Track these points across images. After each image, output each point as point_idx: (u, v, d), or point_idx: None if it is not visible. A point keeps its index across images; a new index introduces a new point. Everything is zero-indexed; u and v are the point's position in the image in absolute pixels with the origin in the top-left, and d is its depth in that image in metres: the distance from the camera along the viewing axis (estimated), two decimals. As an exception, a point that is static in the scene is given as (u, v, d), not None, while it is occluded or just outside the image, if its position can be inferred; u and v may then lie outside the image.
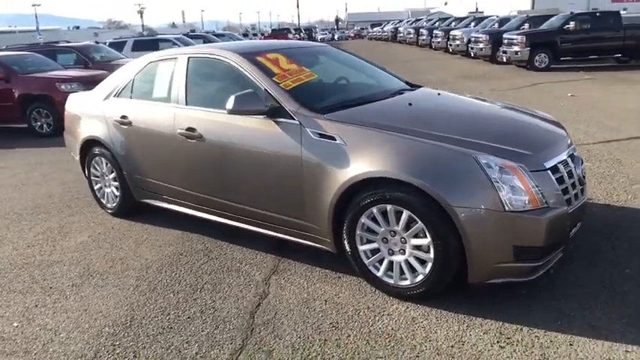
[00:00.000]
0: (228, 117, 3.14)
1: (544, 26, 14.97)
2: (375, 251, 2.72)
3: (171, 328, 2.58)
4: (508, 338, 2.29)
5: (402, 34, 33.49)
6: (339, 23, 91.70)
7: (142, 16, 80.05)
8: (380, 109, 3.07)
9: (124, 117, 3.89)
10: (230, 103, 2.93)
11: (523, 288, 2.63)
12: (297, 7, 69.85)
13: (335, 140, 2.71)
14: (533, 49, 13.86)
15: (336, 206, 2.71)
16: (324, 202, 2.76)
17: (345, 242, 2.78)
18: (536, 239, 2.37)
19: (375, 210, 2.60)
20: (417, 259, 2.57)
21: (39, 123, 8.59)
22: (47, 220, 4.35)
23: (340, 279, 2.95)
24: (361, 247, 2.74)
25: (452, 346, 2.26)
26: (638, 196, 3.94)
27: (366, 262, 2.75)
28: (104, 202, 4.37)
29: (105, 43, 15.37)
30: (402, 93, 3.49)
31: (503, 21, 19.87)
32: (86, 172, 4.45)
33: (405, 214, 2.50)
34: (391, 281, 2.68)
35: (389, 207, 2.55)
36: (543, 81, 11.45)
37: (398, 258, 2.64)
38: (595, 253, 3.04)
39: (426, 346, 2.28)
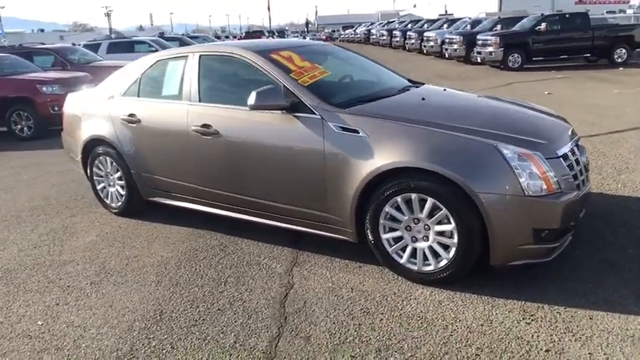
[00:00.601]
0: (246, 113, 3.19)
1: (516, 27, 15.51)
2: (397, 239, 2.83)
3: (203, 320, 2.61)
4: (532, 315, 2.43)
5: (374, 36, 33.94)
6: (309, 26, 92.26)
7: (109, 19, 78.13)
8: (396, 103, 3.19)
9: (131, 115, 3.87)
10: (252, 99, 2.98)
11: (539, 270, 2.79)
12: (268, 9, 69.97)
13: (358, 133, 2.80)
14: (507, 49, 14.35)
15: (359, 197, 2.81)
16: (346, 193, 2.85)
17: (368, 231, 2.87)
18: (553, 221, 2.52)
19: (399, 199, 2.70)
20: (441, 244, 2.69)
21: (19, 126, 8.34)
22: (48, 221, 4.27)
23: (361, 268, 3.05)
24: (384, 236, 2.84)
25: (481, 325, 2.39)
26: (627, 184, 4.20)
27: (389, 249, 2.85)
28: (108, 201, 4.32)
29: (79, 45, 15.01)
30: (408, 89, 3.61)
31: (475, 23, 20.44)
32: (88, 172, 4.39)
33: (430, 201, 2.62)
34: (415, 267, 2.79)
35: (413, 195, 2.66)
36: (518, 80, 11.87)
37: (421, 245, 2.75)
38: (598, 237, 3.24)
39: (457, 326, 2.40)
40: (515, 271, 2.74)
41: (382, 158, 2.69)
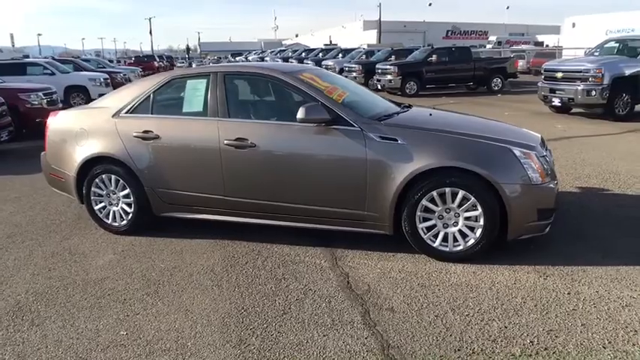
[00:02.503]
0: (284, 126, 3.58)
1: (410, 58, 17.56)
2: (430, 228, 3.43)
3: (289, 309, 2.90)
4: (545, 273, 3.20)
5: (269, 63, 34.95)
6: (190, 52, 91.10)
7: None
8: (413, 118, 3.83)
9: (147, 132, 3.93)
10: (301, 113, 3.38)
11: (531, 243, 3.60)
12: (150, 33, 67.70)
13: (397, 141, 3.37)
14: (404, 77, 16.19)
15: (400, 194, 3.36)
16: (387, 192, 3.38)
17: (406, 223, 3.42)
18: (549, 203, 3.36)
19: (434, 193, 3.32)
20: (468, 227, 3.35)
21: None
22: (42, 246, 4.04)
23: (395, 256, 3.57)
24: (420, 225, 3.42)
25: (514, 284, 3.08)
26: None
27: (424, 237, 3.43)
28: (109, 221, 4.23)
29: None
30: (407, 109, 4.24)
31: (369, 53, 22.53)
32: (83, 192, 4.24)
33: (461, 193, 3.28)
34: (446, 249, 3.41)
35: (447, 189, 3.29)
36: (417, 104, 13.50)
37: (452, 229, 3.39)
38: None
39: (497, 286, 3.05)
40: (520, 244, 3.51)
41: (421, 161, 3.29)
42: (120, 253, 3.84)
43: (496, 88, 16.84)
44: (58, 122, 4.41)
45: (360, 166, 3.42)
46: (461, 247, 3.39)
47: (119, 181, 4.10)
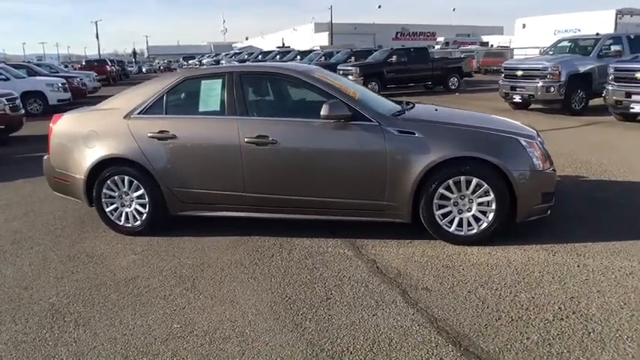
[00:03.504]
0: (305, 122, 3.74)
1: (370, 59, 18.03)
2: (446, 214, 3.69)
3: (332, 294, 3.05)
4: (552, 250, 3.54)
5: (227, 66, 34.54)
6: (137, 56, 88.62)
7: None
8: (422, 112, 4.08)
9: (162, 132, 3.96)
10: (325, 110, 3.55)
11: (537, 224, 3.95)
12: (97, 37, 65.07)
13: (414, 134, 3.61)
14: (366, 78, 16.56)
15: (418, 184, 3.60)
16: (406, 182, 3.61)
17: (423, 211, 3.67)
18: (551, 186, 3.72)
19: (450, 182, 3.59)
20: (481, 212, 3.64)
21: None
22: (55, 250, 3.96)
23: (412, 243, 3.81)
24: (437, 212, 3.67)
25: (527, 261, 3.40)
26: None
27: (440, 223, 3.69)
28: (121, 222, 4.20)
29: None
30: (411, 105, 4.48)
31: (327, 55, 22.88)
32: (93, 195, 4.18)
33: (475, 181, 3.56)
34: (461, 233, 3.69)
35: (462, 178, 3.57)
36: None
37: (466, 215, 3.66)
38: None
39: (513, 264, 3.35)
40: (525, 226, 3.85)
41: (438, 152, 3.55)
42: (140, 253, 3.84)
43: (453, 87, 17.65)
44: (64, 125, 4.32)
45: (380, 158, 3.63)
46: (475, 231, 3.67)
47: (133, 181, 4.09)
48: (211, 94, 4.01)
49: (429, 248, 3.69)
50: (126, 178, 4.09)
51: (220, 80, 4.00)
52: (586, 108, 10.20)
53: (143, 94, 4.17)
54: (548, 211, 3.80)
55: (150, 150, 3.99)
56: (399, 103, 4.61)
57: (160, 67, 59.16)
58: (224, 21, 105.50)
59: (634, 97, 8.18)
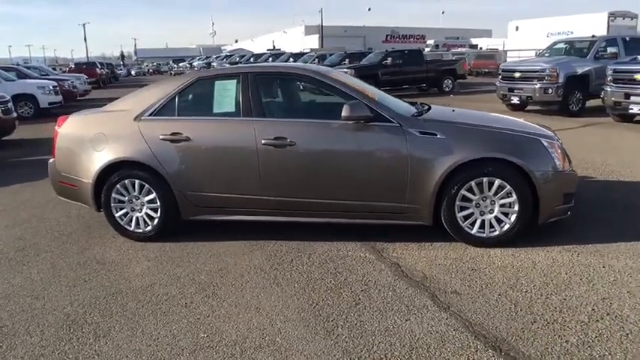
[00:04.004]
0: (324, 123, 3.66)
1: (365, 61, 18.04)
2: (467, 216, 3.64)
3: (360, 299, 2.98)
4: (575, 252, 3.51)
5: (216, 69, 34.43)
6: (124, 58, 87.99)
7: None
8: (442, 114, 4.03)
9: (175, 134, 3.85)
10: (346, 111, 3.48)
11: (553, 226, 3.92)
12: (85, 40, 64.59)
13: (436, 135, 3.56)
14: (361, 80, 16.58)
15: (440, 185, 3.54)
16: (428, 184, 3.55)
17: (445, 213, 3.61)
18: (572, 187, 3.69)
19: (473, 183, 3.54)
20: (503, 213, 3.60)
21: None
22: (62, 257, 3.82)
23: (432, 245, 3.75)
24: (459, 214, 3.62)
25: (553, 262, 3.36)
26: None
27: (462, 225, 3.63)
28: (131, 228, 4.07)
29: None
30: (427, 107, 4.42)
31: (320, 57, 22.85)
32: (102, 200, 4.05)
33: (497, 182, 3.51)
34: (483, 235, 3.64)
35: (485, 179, 3.52)
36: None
37: (488, 217, 3.62)
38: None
39: (539, 266, 3.31)
40: (543, 227, 3.81)
41: (461, 153, 3.49)
42: (154, 260, 3.72)
43: (447, 89, 17.73)
44: (70, 128, 4.18)
45: (402, 160, 3.57)
46: (497, 233, 3.62)
47: (144, 185, 3.97)
48: (226, 94, 3.91)
49: (450, 250, 3.63)
50: (136, 181, 3.97)
51: (235, 81, 3.90)
52: (583, 109, 10.30)
53: (154, 95, 4.05)
54: (569, 212, 3.77)
55: (162, 152, 3.88)
56: (413, 104, 4.56)
57: (149, 70, 58.62)
58: (213, 23, 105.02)
59: (633, 99, 8.25)
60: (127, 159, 3.93)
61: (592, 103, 10.66)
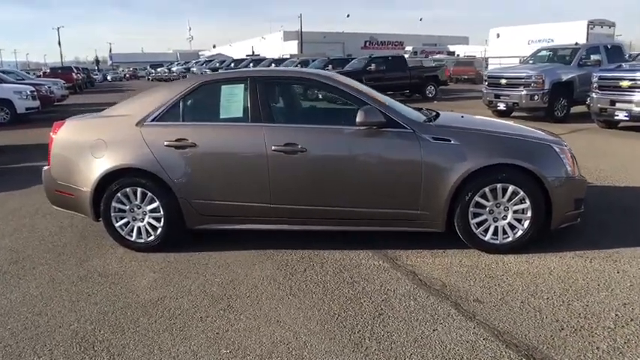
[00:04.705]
0: (335, 129, 3.60)
1: (348, 67, 18.07)
2: (481, 223, 3.62)
3: (382, 309, 2.91)
4: (587, 258, 3.53)
5: (197, 74, 34.07)
6: (99, 63, 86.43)
7: None
8: (452, 120, 4.01)
9: (180, 140, 3.71)
10: (361, 117, 3.43)
11: (561, 232, 3.94)
12: (59, 44, 63.10)
13: (450, 141, 3.53)
14: (346, 86, 16.63)
15: (455, 192, 3.51)
16: (441, 191, 3.52)
17: (458, 220, 3.58)
18: (582, 192, 3.72)
19: (487, 189, 3.52)
20: (516, 220, 3.59)
21: None
22: (60, 270, 3.63)
23: (445, 252, 3.72)
24: (472, 221, 3.60)
25: (567, 268, 3.37)
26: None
27: (475, 231, 3.61)
28: (132, 238, 3.90)
29: None
30: (436, 113, 4.39)
31: (303, 63, 22.83)
32: (101, 209, 3.87)
33: (511, 188, 3.51)
34: (497, 241, 3.62)
35: (498, 185, 3.51)
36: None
37: (501, 223, 3.61)
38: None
39: (555, 273, 3.31)
40: (553, 233, 3.83)
41: (475, 159, 3.48)
42: (160, 271, 3.57)
43: (430, 95, 17.92)
44: (66, 134, 3.99)
45: (415, 166, 3.53)
46: (510, 239, 3.62)
47: (146, 194, 3.81)
48: (233, 99, 3.81)
49: (464, 258, 3.60)
50: (139, 189, 3.81)
51: (242, 85, 3.80)
52: (568, 115, 10.53)
53: (156, 100, 3.91)
54: (579, 219, 3.80)
55: (166, 159, 3.74)
56: (418, 110, 4.54)
57: (125, 75, 57.56)
58: (190, 28, 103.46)
59: (618, 105, 8.36)
60: (129, 166, 3.77)
61: (576, 109, 10.93)
